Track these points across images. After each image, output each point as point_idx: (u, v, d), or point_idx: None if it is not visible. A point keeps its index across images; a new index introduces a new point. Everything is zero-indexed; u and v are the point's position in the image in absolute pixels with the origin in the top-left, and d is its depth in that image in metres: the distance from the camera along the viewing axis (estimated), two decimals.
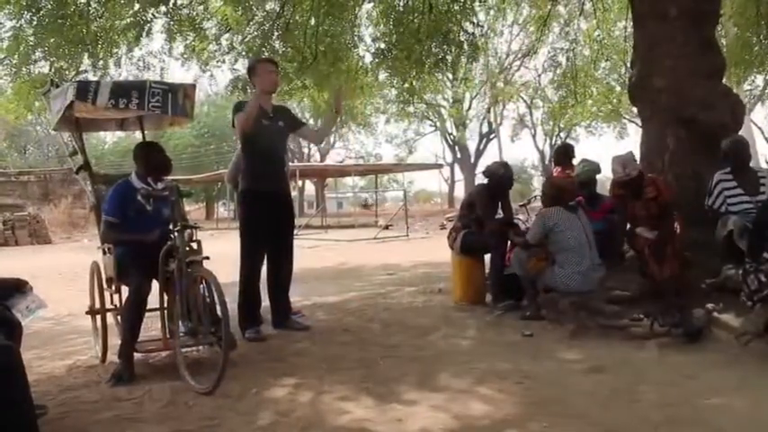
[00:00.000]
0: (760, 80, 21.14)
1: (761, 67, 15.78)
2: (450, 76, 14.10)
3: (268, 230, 5.19)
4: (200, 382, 3.78)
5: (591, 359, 4.14)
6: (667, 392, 3.47)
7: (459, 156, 42.15)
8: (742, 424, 3.02)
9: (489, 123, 38.63)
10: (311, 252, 14.60)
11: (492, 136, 39.05)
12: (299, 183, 32.69)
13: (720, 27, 12.82)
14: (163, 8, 9.03)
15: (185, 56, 10.32)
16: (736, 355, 4.01)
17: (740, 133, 5.98)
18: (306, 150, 49.81)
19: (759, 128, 29.13)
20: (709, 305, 4.64)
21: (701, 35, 6.19)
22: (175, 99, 4.76)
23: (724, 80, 6.79)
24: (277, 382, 3.94)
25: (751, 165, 5.52)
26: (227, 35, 10.25)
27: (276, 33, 10.09)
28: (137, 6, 8.86)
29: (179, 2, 9.38)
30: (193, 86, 5.12)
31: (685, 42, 6.07)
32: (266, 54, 9.87)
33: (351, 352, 4.53)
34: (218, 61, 10.50)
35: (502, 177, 6.17)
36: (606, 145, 69.17)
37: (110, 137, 48.32)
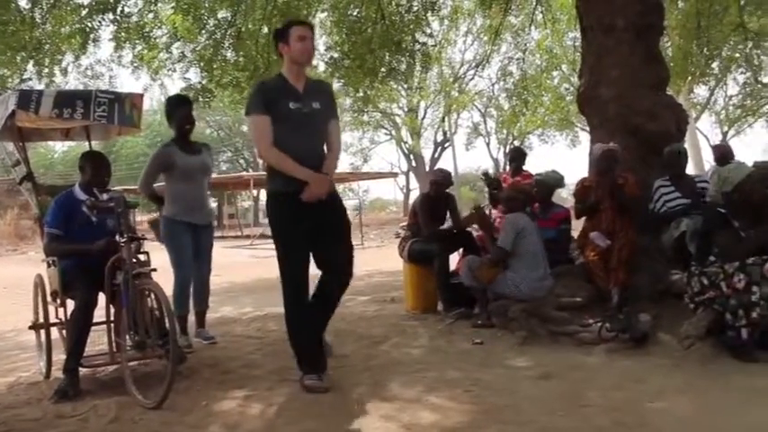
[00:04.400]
0: (703, 90, 21.85)
1: (703, 77, 16.30)
2: (405, 85, 14.20)
3: (309, 241, 3.86)
4: (147, 397, 3.71)
5: (540, 365, 4.18)
6: (614, 397, 3.53)
7: (414, 164, 42.34)
8: (683, 426, 3.09)
9: (444, 132, 38.92)
10: (267, 261, 14.46)
11: (447, 144, 39.34)
12: (254, 192, 32.40)
13: (667, 38, 13.20)
14: (110, 15, 8.87)
15: (135, 64, 10.16)
16: (679, 358, 4.11)
17: (686, 141, 6.16)
18: (260, 160, 49.41)
19: (705, 136, 29.96)
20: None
21: (646, 47, 6.32)
22: (122, 108, 4.68)
23: (669, 91, 6.97)
24: (227, 394, 3.89)
25: (695, 171, 5.70)
26: (177, 44, 10.13)
27: (228, 42, 10.01)
28: (83, 13, 8.69)
29: (127, 9, 9.24)
30: (141, 95, 5.04)
31: (631, 54, 6.18)
32: (217, 64, 9.79)
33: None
34: (168, 70, 10.38)
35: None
36: (559, 152, 70.33)
37: (59, 146, 47.25)
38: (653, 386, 3.67)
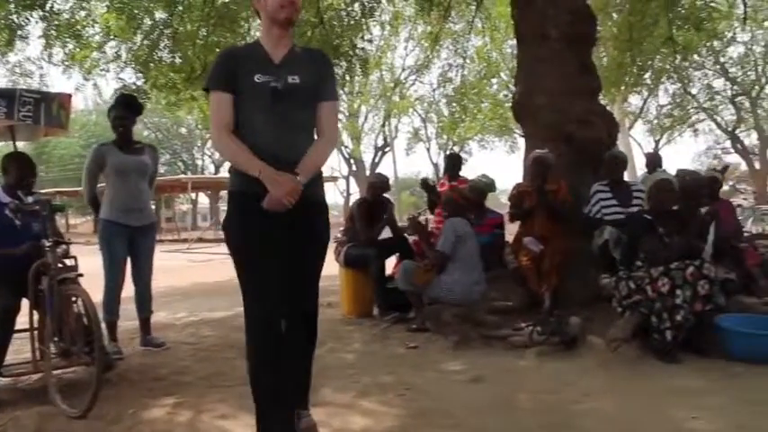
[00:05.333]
0: (636, 99, 22.57)
1: (635, 87, 16.83)
2: (345, 89, 14.21)
3: (280, 253, 2.81)
4: (72, 406, 3.59)
5: (472, 369, 4.23)
6: (543, 399, 3.60)
7: (354, 169, 42.39)
8: (607, 426, 3.17)
9: (384, 137, 39.08)
10: (204, 266, 14.26)
11: (387, 149, 39.51)
12: (192, 195, 31.92)
13: (602, 49, 13.58)
14: (39, 12, 8.59)
15: (66, 63, 9.86)
16: (607, 360, 4.21)
17: (620, 148, 6.33)
18: (200, 162, 48.71)
19: (638, 143, 30.92)
20: None
21: (578, 56, 6.48)
22: (49, 109, 4.53)
23: (603, 99, 7.16)
24: (156, 401, 3.80)
25: (628, 177, 5.86)
26: (111, 43, 9.89)
27: (164, 43, 9.82)
28: (10, 8, 8.38)
29: (57, 6, 8.95)
30: (69, 96, 4.89)
31: (564, 63, 6.33)
32: (153, 65, 9.59)
33: (234, 368, 4.41)
34: (102, 69, 10.12)
35: None
36: (498, 158, 71.61)
37: None
38: (581, 388, 3.75)
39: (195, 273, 12.18)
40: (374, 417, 3.40)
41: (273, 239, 2.76)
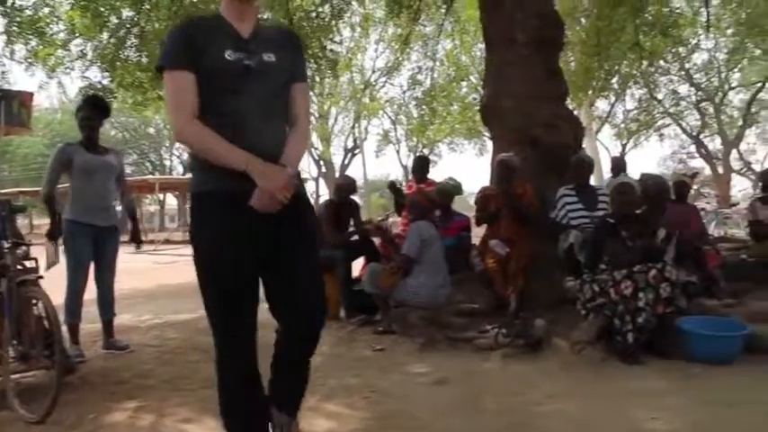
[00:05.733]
0: (604, 104, 22.87)
1: (603, 92, 17.05)
2: (315, 91, 14.18)
3: (256, 269, 2.43)
4: (30, 411, 3.52)
5: (438, 371, 4.24)
6: (507, 401, 3.61)
7: (324, 170, 42.31)
8: (570, 427, 3.20)
9: (354, 139, 39.05)
10: (169, 268, 14.10)
11: (357, 151, 39.46)
12: (160, 196, 31.56)
13: (570, 53, 13.73)
14: (0, 8, 8.41)
15: (29, 60, 9.67)
16: (570, 362, 4.24)
17: (587, 152, 6.41)
18: (168, 162, 48.19)
19: (606, 147, 31.31)
20: None
21: (546, 61, 6.55)
22: (9, 107, 4.47)
23: (571, 104, 7.25)
24: (117, 405, 3.75)
25: (595, 181, 5.93)
26: (77, 41, 9.74)
27: (131, 41, 9.70)
28: None
29: (19, 2, 8.78)
30: (30, 94, 4.83)
31: (531, 67, 6.38)
32: (120, 63, 9.46)
33: (198, 371, 4.37)
34: (66, 68, 9.95)
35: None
36: (468, 161, 72.16)
37: None
38: (544, 389, 3.78)
39: (160, 274, 12.03)
40: (339, 419, 3.39)
41: (249, 248, 2.35)
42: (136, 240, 5.41)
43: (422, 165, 7.58)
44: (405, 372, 4.33)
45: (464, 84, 19.51)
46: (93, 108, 5.15)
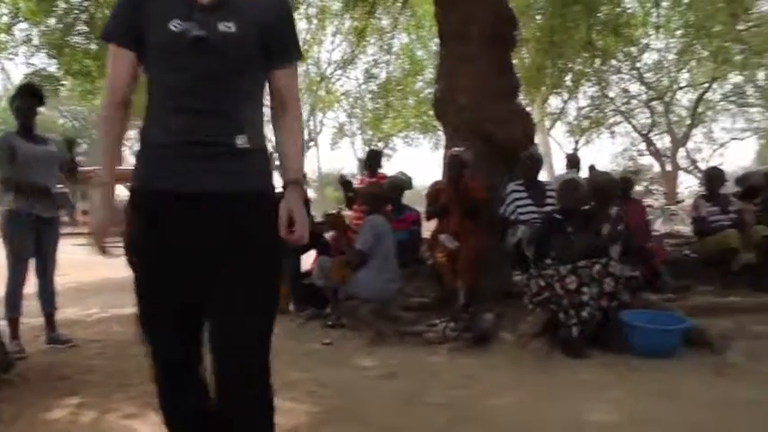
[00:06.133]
0: (556, 101, 23.18)
1: (556, 89, 17.26)
2: None
3: (194, 285, 1.98)
4: None
5: (386, 365, 4.25)
6: (453, 394, 3.64)
7: (278, 163, 42.10)
8: (514, 420, 3.23)
9: (309, 131, 38.86)
10: (117, 260, 13.82)
11: (311, 144, 39.27)
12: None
13: (525, 51, 13.87)
14: None
15: None
16: (516, 356, 4.30)
17: (540, 148, 6.50)
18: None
19: (559, 144, 31.74)
20: None
21: (499, 57, 6.59)
22: None
23: (524, 100, 7.33)
24: (59, 402, 3.66)
25: (548, 177, 6.01)
26: (22, 25, 9.44)
27: (79, 28, 9.44)
28: None
29: None
30: None
31: (485, 63, 6.41)
32: (67, 50, 9.21)
33: (143, 366, 4.26)
34: (10, 53, 9.64)
35: None
36: (423, 155, 72.44)
37: None
38: (489, 383, 3.83)
39: (108, 267, 11.78)
40: (284, 414, 3.34)
41: (181, 259, 1.94)
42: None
43: (374, 158, 7.58)
44: (352, 365, 4.33)
45: (420, 78, 19.53)
46: (29, 96, 5.01)
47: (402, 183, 6.42)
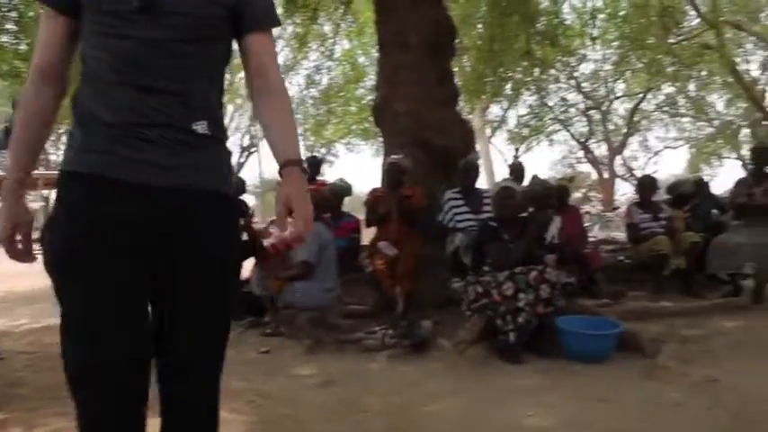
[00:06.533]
0: (497, 109, 23.53)
1: (496, 97, 17.52)
2: None
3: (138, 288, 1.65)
4: None
5: (324, 373, 4.22)
6: (391, 401, 3.63)
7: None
8: (450, 426, 3.24)
9: (251, 137, 38.49)
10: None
11: (253, 149, 38.91)
12: (44, 192, 29.90)
13: (466, 59, 14.03)
14: None
15: None
16: (454, 362, 4.31)
17: (480, 156, 6.58)
18: (53, 157, 45.82)
19: (500, 152, 32.26)
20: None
21: (438, 65, 6.66)
22: None
23: (465, 108, 7.40)
24: None
25: (486, 186, 6.08)
26: None
27: (8, 27, 9.12)
28: None
29: None
30: None
31: (424, 71, 6.47)
32: None
33: None
34: None
35: None
36: (365, 161, 72.57)
37: None
38: (427, 389, 3.83)
39: (40, 276, 11.42)
40: (222, 425, 3.28)
41: (125, 256, 1.59)
42: None
43: (313, 165, 7.53)
44: (290, 374, 4.28)
45: (362, 85, 19.56)
46: None
47: (342, 190, 6.41)
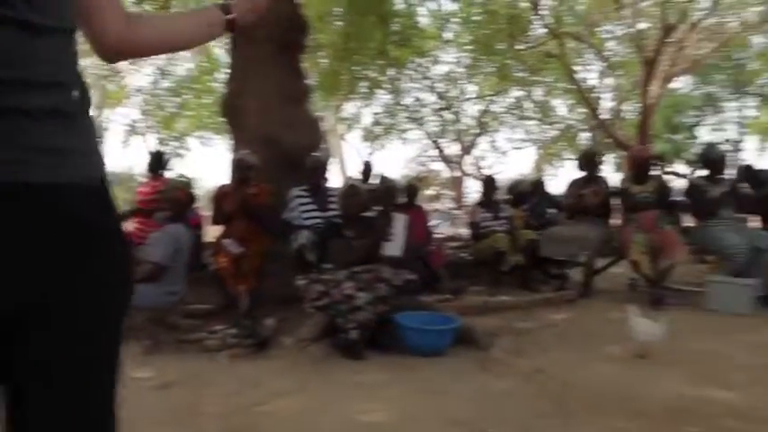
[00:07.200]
0: (353, 107, 23.76)
1: (351, 95, 17.69)
2: None
3: None
4: None
5: (162, 375, 4.08)
6: (230, 402, 3.58)
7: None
8: (290, 425, 3.26)
9: (97, 128, 36.52)
10: None
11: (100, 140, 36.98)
12: None
13: (322, 56, 14.04)
14: None
15: None
16: (296, 360, 4.33)
17: (335, 154, 6.60)
18: None
19: (356, 149, 32.56)
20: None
21: (289, 61, 6.62)
22: None
23: (320, 106, 7.40)
24: None
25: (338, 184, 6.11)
26: None
27: None
28: None
29: None
30: None
31: (274, 67, 6.41)
32: None
33: None
34: None
35: None
36: (219, 156, 70.75)
37: None
38: (268, 389, 3.81)
39: None
40: None
41: None
42: None
43: (157, 160, 7.22)
44: (127, 376, 4.10)
45: (217, 77, 19.08)
46: None
47: (183, 186, 6.22)
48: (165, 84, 18.62)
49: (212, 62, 17.63)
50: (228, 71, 6.98)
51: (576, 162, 7.46)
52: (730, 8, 16.47)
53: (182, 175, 6.31)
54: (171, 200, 5.35)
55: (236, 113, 6.46)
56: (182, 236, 5.14)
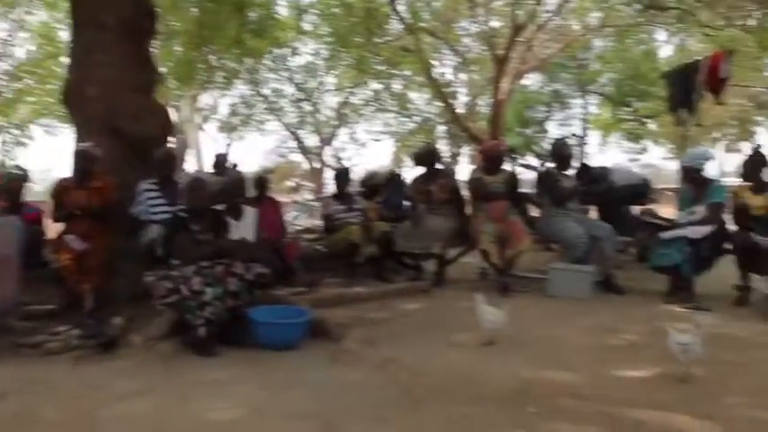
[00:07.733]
0: (210, 97, 23.24)
1: (208, 85, 17.29)
2: None
3: None
4: None
5: None
6: (72, 407, 3.43)
7: None
8: (136, 427, 3.18)
9: None
10: None
11: None
12: None
13: (176, 45, 13.59)
14: None
15: None
16: (145, 360, 4.21)
17: (191, 145, 6.41)
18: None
19: (214, 139, 31.79)
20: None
21: (136, 49, 6.35)
22: None
23: (174, 96, 7.16)
24: None
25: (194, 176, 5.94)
26: None
27: None
28: None
29: None
30: None
31: (120, 55, 6.13)
32: None
33: None
34: None
35: None
36: (66, 145, 66.09)
37: None
38: (114, 391, 3.68)
39: None
40: None
41: None
42: None
43: None
44: None
45: (62, 61, 17.95)
46: None
47: (17, 177, 5.86)
48: (2, 66, 17.27)
49: (54, 45, 16.55)
50: (70, 57, 6.60)
51: (413, 159, 7.75)
52: (573, 12, 17.55)
53: (17, 166, 5.93)
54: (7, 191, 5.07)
55: (76, 102, 6.12)
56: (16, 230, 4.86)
